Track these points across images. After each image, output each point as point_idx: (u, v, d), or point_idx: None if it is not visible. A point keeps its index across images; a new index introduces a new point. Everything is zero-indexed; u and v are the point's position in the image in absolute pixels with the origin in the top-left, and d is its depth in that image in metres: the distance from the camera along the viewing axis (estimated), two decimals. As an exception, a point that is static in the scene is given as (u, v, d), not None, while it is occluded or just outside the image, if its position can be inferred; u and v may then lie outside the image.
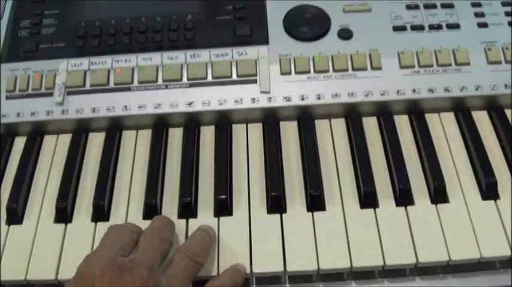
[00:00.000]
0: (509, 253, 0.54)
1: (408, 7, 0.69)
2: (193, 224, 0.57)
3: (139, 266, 0.48)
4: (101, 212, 0.58)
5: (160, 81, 0.66)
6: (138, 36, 0.69)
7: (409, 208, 0.57)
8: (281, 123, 0.65)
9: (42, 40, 0.69)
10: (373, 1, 0.70)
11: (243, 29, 0.68)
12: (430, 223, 0.56)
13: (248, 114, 0.65)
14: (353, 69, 0.65)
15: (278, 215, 0.57)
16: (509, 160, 0.61)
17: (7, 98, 0.66)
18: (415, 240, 0.54)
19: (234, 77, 0.66)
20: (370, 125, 0.65)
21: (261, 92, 0.65)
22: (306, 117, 0.65)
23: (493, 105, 0.65)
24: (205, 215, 0.58)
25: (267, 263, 0.54)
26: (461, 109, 0.65)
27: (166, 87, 0.66)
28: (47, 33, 0.69)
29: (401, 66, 0.65)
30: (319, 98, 0.64)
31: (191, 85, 0.66)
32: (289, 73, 0.66)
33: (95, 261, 0.48)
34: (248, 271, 0.54)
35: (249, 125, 0.66)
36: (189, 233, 0.56)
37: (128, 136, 0.66)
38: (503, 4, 0.69)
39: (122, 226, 0.55)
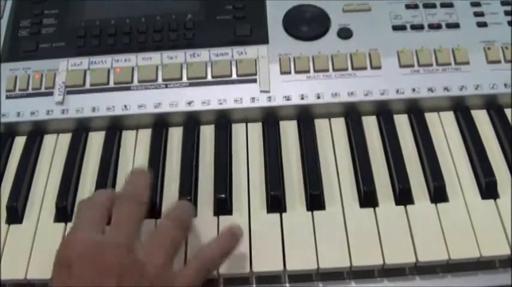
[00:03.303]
0: (508, 252, 0.54)
1: (408, 6, 0.69)
2: (193, 222, 0.57)
3: (116, 246, 0.47)
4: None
5: (160, 80, 0.66)
6: (138, 35, 0.69)
7: (408, 207, 0.57)
8: (281, 122, 0.65)
9: (42, 40, 0.69)
10: (373, 1, 0.70)
11: (243, 28, 0.68)
12: (429, 222, 0.56)
13: (248, 113, 0.65)
14: (353, 68, 0.65)
15: (278, 215, 0.57)
16: (509, 159, 0.61)
17: (7, 97, 0.66)
18: (414, 239, 0.54)
19: (234, 76, 0.66)
20: (370, 125, 0.65)
21: (261, 91, 0.65)
22: (305, 117, 0.65)
23: (492, 105, 0.65)
24: (205, 214, 0.58)
25: (266, 262, 0.54)
26: (460, 108, 0.65)
27: (166, 86, 0.66)
28: (47, 33, 0.70)
29: (401, 66, 0.65)
30: (318, 98, 0.64)
31: (191, 84, 0.66)
32: (289, 72, 0.66)
33: (71, 246, 0.47)
34: (248, 269, 0.54)
35: (248, 124, 0.66)
36: (189, 235, 0.56)
37: (127, 135, 0.66)
38: (503, 3, 0.69)
39: (91, 202, 0.52)
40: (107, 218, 0.50)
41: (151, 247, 0.48)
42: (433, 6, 0.69)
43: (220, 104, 0.65)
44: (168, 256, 0.48)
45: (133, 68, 0.67)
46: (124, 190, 0.53)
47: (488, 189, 0.58)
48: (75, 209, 0.53)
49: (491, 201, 0.57)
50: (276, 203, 0.58)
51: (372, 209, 0.57)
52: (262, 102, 0.65)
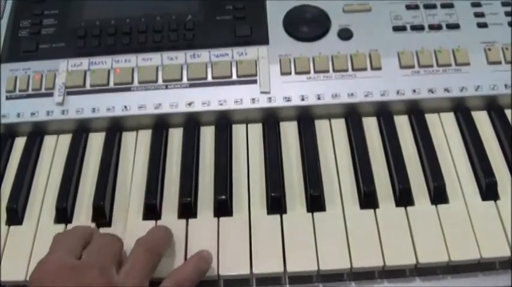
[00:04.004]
0: (509, 254, 0.54)
1: (408, 7, 0.69)
2: (194, 224, 0.57)
3: (90, 266, 0.48)
4: (101, 213, 0.58)
5: (160, 81, 0.66)
6: (138, 36, 0.69)
7: (409, 208, 0.57)
8: (281, 123, 0.65)
9: (42, 40, 0.69)
10: (373, 1, 0.70)
11: (243, 29, 0.68)
12: (430, 224, 0.56)
13: (248, 114, 0.65)
14: (353, 69, 0.65)
15: (278, 216, 0.57)
16: (509, 160, 0.61)
17: (7, 98, 0.66)
18: (414, 240, 0.54)
19: (234, 77, 0.66)
20: (370, 125, 0.65)
21: (261, 92, 0.65)
22: (306, 118, 0.65)
23: (493, 106, 0.65)
24: (205, 215, 0.58)
25: (267, 263, 0.54)
26: (461, 109, 0.65)
27: (166, 87, 0.66)
28: (47, 33, 0.69)
29: (401, 67, 0.65)
30: (319, 98, 0.64)
31: (191, 85, 0.66)
32: (289, 73, 0.66)
33: (45, 266, 0.48)
34: (248, 271, 0.54)
35: (249, 125, 0.66)
36: (189, 234, 0.56)
37: (128, 136, 0.66)
38: (503, 4, 0.69)
39: (68, 231, 0.55)
40: (83, 245, 0.51)
41: (125, 271, 0.49)
42: (434, 6, 0.69)
43: (221, 105, 0.65)
44: (140, 279, 0.49)
45: (133, 69, 0.66)
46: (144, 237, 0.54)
47: (489, 190, 0.58)
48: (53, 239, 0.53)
49: (492, 202, 0.57)
50: (276, 204, 0.58)
51: (372, 210, 0.57)
52: (263, 103, 0.65)
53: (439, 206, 0.57)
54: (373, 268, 0.54)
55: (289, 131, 0.65)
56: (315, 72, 0.66)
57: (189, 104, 0.65)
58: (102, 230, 0.57)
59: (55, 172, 0.63)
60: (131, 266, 0.50)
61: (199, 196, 0.60)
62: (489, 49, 0.66)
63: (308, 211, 0.58)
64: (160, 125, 0.65)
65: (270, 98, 0.65)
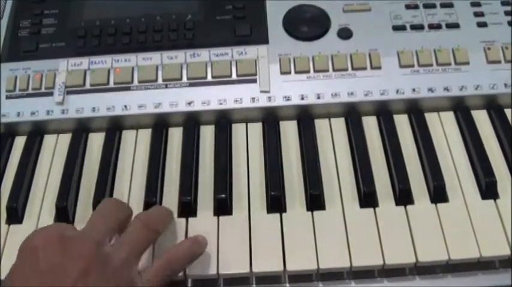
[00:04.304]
0: (508, 253, 0.54)
1: (408, 7, 0.69)
2: (193, 223, 0.57)
3: (85, 238, 0.48)
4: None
5: (160, 80, 0.66)
6: (138, 36, 0.69)
7: (408, 207, 0.57)
8: (281, 122, 0.65)
9: (42, 40, 0.69)
10: (373, 1, 0.70)
11: (243, 28, 0.68)
12: (429, 223, 0.56)
13: (248, 113, 0.65)
14: (353, 68, 0.65)
15: (278, 215, 0.57)
16: (509, 159, 0.61)
17: (7, 97, 0.66)
18: (414, 239, 0.54)
19: (234, 76, 0.66)
20: (370, 125, 0.65)
21: (261, 91, 0.65)
22: (305, 117, 0.65)
23: (492, 105, 0.65)
24: (205, 214, 0.58)
25: (266, 262, 0.54)
26: (460, 108, 0.65)
27: (166, 86, 0.66)
28: (47, 33, 0.70)
29: (401, 66, 0.65)
30: (319, 98, 0.64)
31: (191, 85, 0.66)
32: (289, 73, 0.66)
33: (39, 233, 0.48)
34: (248, 269, 0.54)
35: (248, 124, 0.66)
36: (189, 232, 0.56)
37: (127, 136, 0.66)
38: (503, 3, 0.69)
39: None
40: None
41: (118, 243, 0.49)
42: (433, 6, 0.69)
43: (220, 104, 0.65)
44: (131, 253, 0.49)
45: (133, 68, 0.67)
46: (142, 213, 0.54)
47: (488, 189, 0.58)
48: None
49: (491, 201, 0.57)
50: (276, 203, 0.58)
51: (371, 210, 0.57)
52: (262, 102, 0.65)
53: (438, 205, 0.57)
54: (372, 267, 0.54)
55: (289, 130, 0.65)
56: (315, 71, 0.66)
57: (189, 103, 0.65)
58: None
59: (55, 171, 0.63)
60: (125, 239, 0.50)
61: (199, 194, 0.60)
62: (489, 48, 0.66)
63: (308, 209, 0.58)
64: (160, 125, 0.65)
65: (269, 98, 0.65)
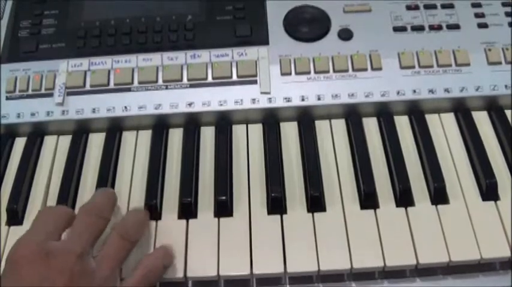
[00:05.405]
0: (509, 254, 0.54)
1: (408, 7, 0.69)
2: (194, 224, 0.57)
3: (67, 252, 0.48)
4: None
5: (160, 81, 0.66)
6: (138, 36, 0.69)
7: (409, 208, 0.57)
8: (281, 124, 0.65)
9: (42, 40, 0.69)
10: (373, 1, 0.70)
11: (243, 29, 0.68)
12: (430, 224, 0.56)
13: (248, 114, 0.65)
14: (353, 69, 0.65)
15: (278, 216, 0.57)
16: (510, 161, 0.61)
17: (7, 98, 0.66)
18: (415, 241, 0.54)
19: (234, 77, 0.66)
20: (371, 126, 0.65)
21: (261, 92, 0.65)
22: (306, 118, 0.65)
23: (493, 106, 0.65)
24: (205, 216, 0.58)
25: (267, 264, 0.54)
26: (461, 110, 0.65)
27: (167, 87, 0.66)
28: (47, 34, 0.69)
29: (402, 67, 0.65)
30: (319, 99, 0.64)
31: (191, 86, 0.66)
32: (290, 74, 0.66)
33: (23, 248, 0.48)
34: (249, 271, 0.54)
35: (249, 125, 0.66)
36: (189, 235, 0.56)
37: (128, 137, 0.66)
38: (504, 5, 0.69)
39: (52, 210, 0.55)
40: (65, 226, 0.52)
41: (100, 258, 0.50)
42: (434, 7, 0.69)
43: (221, 105, 0.65)
44: (113, 268, 0.50)
45: (133, 69, 0.66)
46: (87, 203, 0.54)
47: (489, 191, 0.58)
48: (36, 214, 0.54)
49: (492, 203, 0.57)
50: (276, 204, 0.58)
51: (372, 211, 0.57)
52: (263, 103, 0.64)
53: (439, 206, 0.57)
54: (373, 269, 0.54)
55: (289, 132, 0.65)
56: (315, 72, 0.66)
57: (189, 104, 0.65)
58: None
59: (55, 172, 0.63)
60: (105, 253, 0.51)
61: (200, 196, 0.60)
62: (489, 49, 0.66)
63: (308, 211, 0.58)
64: (160, 126, 0.65)
65: (270, 99, 0.65)
